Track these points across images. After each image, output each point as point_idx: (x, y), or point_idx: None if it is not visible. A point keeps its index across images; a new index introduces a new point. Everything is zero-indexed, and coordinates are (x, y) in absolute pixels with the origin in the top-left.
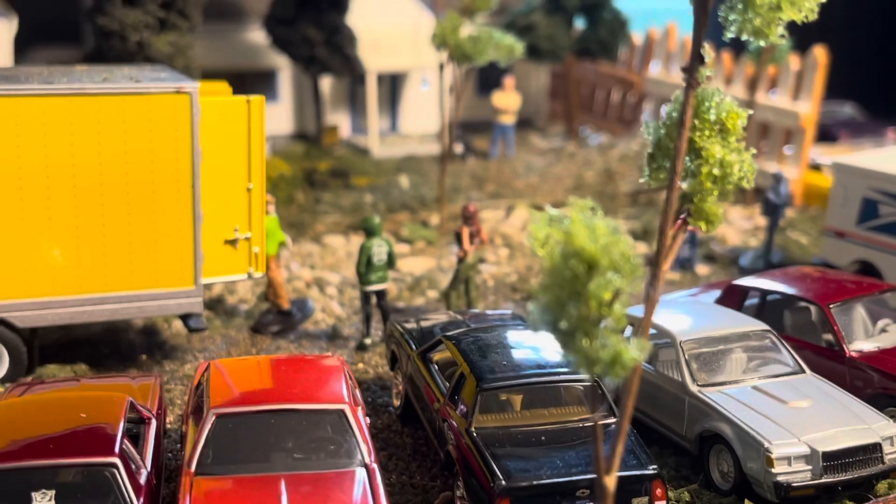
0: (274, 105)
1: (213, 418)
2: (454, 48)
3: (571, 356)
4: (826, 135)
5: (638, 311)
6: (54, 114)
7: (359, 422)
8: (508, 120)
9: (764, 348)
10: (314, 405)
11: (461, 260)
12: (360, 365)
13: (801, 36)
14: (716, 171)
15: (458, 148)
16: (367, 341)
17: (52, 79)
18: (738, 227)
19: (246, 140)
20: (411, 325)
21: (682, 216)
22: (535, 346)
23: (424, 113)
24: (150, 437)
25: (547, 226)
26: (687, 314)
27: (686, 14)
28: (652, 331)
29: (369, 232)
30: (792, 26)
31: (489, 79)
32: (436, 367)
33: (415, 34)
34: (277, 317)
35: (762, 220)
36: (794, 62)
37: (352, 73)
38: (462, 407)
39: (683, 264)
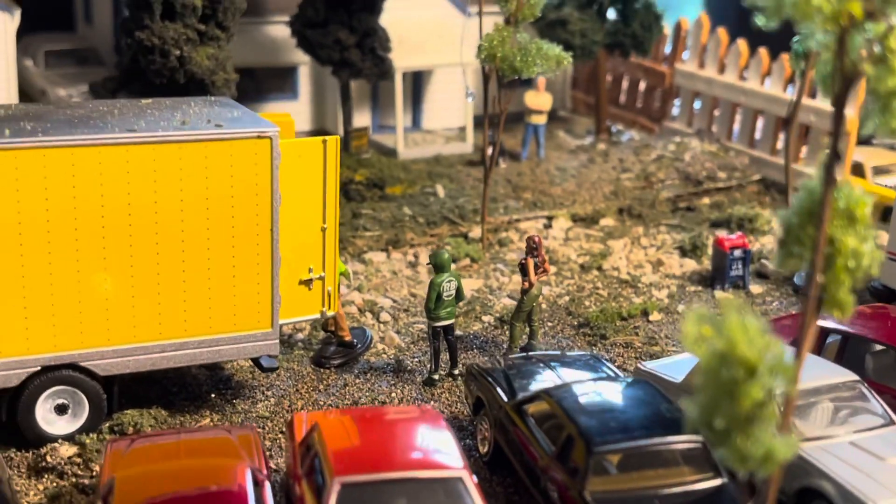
0: (293, 102)
1: (339, 487)
2: (501, 61)
3: (725, 453)
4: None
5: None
6: (138, 161)
7: (476, 486)
8: (541, 120)
9: (854, 398)
10: (436, 472)
11: (525, 291)
12: (432, 403)
13: None
14: (850, 263)
15: (489, 151)
16: (436, 377)
17: (129, 121)
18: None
19: (321, 180)
20: (497, 372)
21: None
22: (635, 400)
23: (448, 109)
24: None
25: (698, 323)
26: None
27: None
28: None
29: (438, 268)
30: None
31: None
32: (532, 420)
33: (441, 30)
34: (339, 349)
35: None
36: None
37: (383, 77)
38: (571, 468)
39: (736, 283)
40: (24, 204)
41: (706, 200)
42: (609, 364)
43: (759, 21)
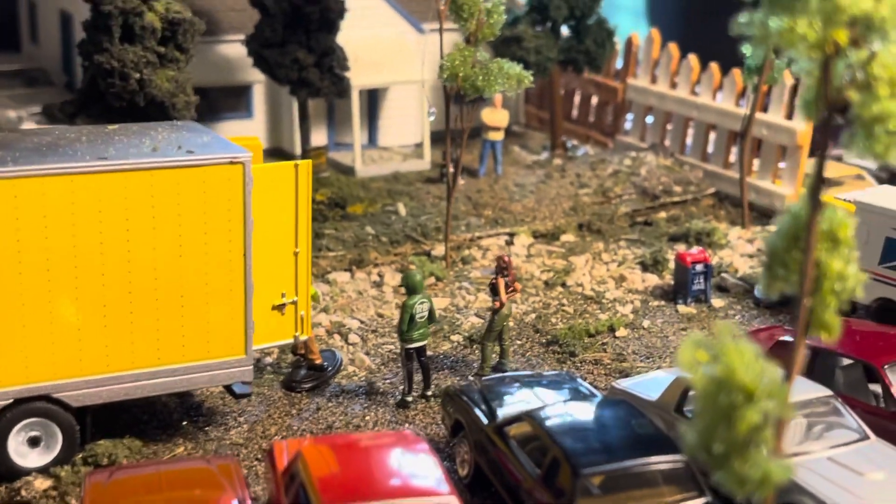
0: (248, 121)
1: None
2: (463, 80)
3: (723, 476)
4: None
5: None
6: (109, 189)
7: None
8: (498, 136)
9: (828, 413)
10: (425, 499)
11: (496, 311)
12: (407, 425)
13: None
14: (836, 286)
15: (450, 167)
16: (410, 399)
17: (99, 148)
18: (739, 250)
19: (293, 204)
20: (475, 393)
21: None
22: (616, 420)
23: (403, 126)
24: None
25: (694, 349)
26: None
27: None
28: None
29: (411, 289)
30: None
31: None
32: (514, 442)
33: (397, 48)
34: (310, 372)
35: (763, 243)
36: (787, 78)
37: (341, 96)
38: (557, 490)
39: (699, 297)
40: None
41: (663, 214)
42: (584, 383)
43: (746, 50)
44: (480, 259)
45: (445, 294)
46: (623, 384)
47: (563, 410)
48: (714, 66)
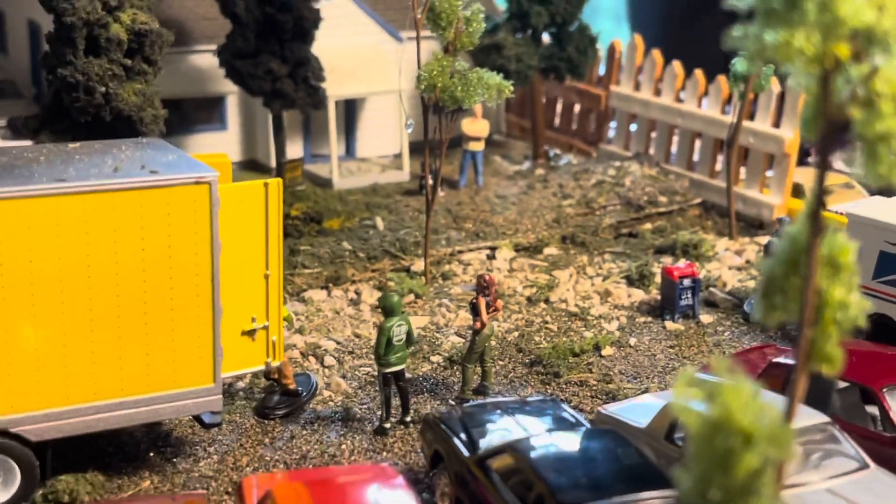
0: (222, 133)
1: None
2: (441, 91)
3: None
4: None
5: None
6: (68, 213)
7: None
8: (478, 147)
9: (826, 441)
10: None
11: (477, 332)
12: (385, 454)
13: None
14: (838, 315)
15: (429, 179)
16: (387, 425)
17: (57, 169)
18: (727, 262)
19: (263, 225)
20: (455, 422)
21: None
22: (604, 452)
23: (381, 137)
24: None
25: (688, 389)
26: None
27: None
28: None
29: (388, 311)
30: None
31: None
32: (497, 475)
33: (374, 57)
34: (283, 398)
35: (752, 255)
36: (775, 85)
37: (317, 107)
38: None
39: (686, 313)
40: None
41: (648, 226)
42: (569, 409)
43: (740, 66)
44: (461, 274)
45: (425, 312)
46: (610, 409)
47: (548, 441)
48: (699, 73)
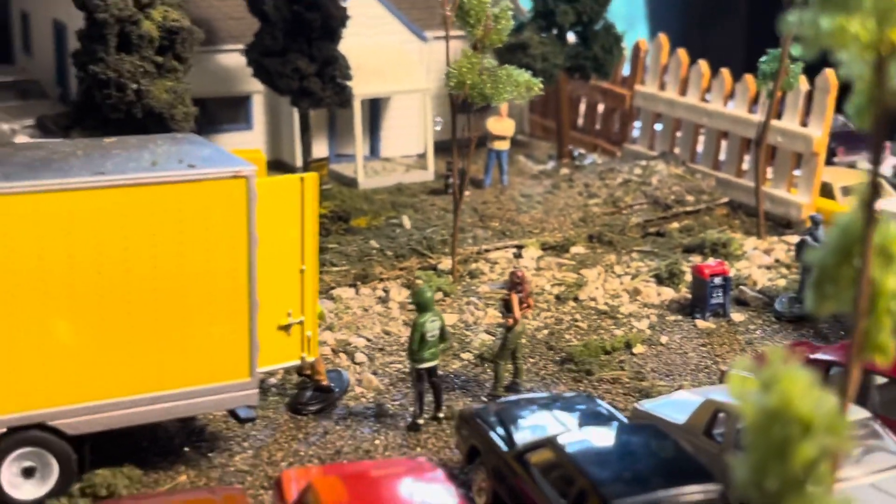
0: (247, 132)
1: None
2: (471, 88)
3: None
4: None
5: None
6: (106, 206)
7: None
8: (503, 146)
9: (868, 436)
10: None
11: (510, 328)
12: (419, 449)
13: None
14: (892, 305)
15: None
16: (421, 421)
17: (95, 163)
18: (756, 261)
19: (299, 220)
20: (491, 417)
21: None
22: (645, 446)
23: (405, 136)
24: None
25: (744, 377)
26: None
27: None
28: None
29: (421, 307)
30: None
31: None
32: (536, 470)
33: (399, 56)
34: (316, 394)
35: (781, 254)
36: (803, 84)
37: (344, 105)
38: None
39: (717, 311)
40: None
41: (675, 225)
42: (605, 404)
43: (797, 52)
44: (488, 273)
45: (454, 310)
46: (646, 406)
47: (588, 436)
48: (725, 72)
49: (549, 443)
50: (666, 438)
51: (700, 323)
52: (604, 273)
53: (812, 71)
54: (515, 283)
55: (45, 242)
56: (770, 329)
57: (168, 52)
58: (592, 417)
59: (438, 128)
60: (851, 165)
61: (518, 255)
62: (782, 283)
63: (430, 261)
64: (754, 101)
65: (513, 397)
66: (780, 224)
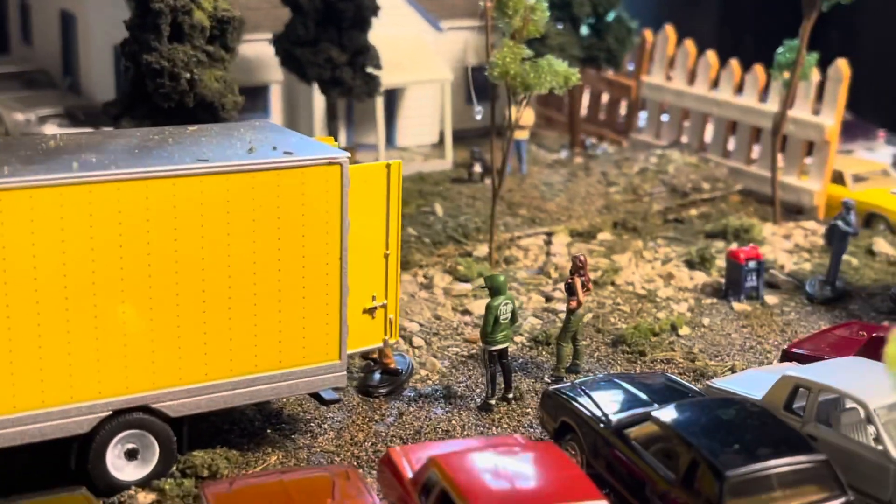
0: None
1: None
2: (512, 78)
3: None
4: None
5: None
6: (210, 192)
7: None
8: (523, 135)
9: None
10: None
11: (572, 311)
12: (494, 429)
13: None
14: None
15: (477, 167)
16: (492, 402)
17: (193, 150)
18: (779, 246)
19: (384, 205)
20: (581, 395)
21: None
22: (742, 418)
23: (419, 126)
24: None
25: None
26: (863, 376)
27: None
28: (830, 395)
29: (495, 291)
30: None
31: (477, 88)
32: (638, 444)
33: (415, 47)
34: (385, 376)
35: (800, 238)
36: (814, 74)
37: (371, 95)
38: (698, 493)
39: (751, 294)
40: (98, 242)
41: (693, 212)
42: (682, 381)
43: (785, 56)
44: (523, 259)
45: None
46: (719, 383)
47: (687, 410)
48: (734, 63)
49: (651, 418)
50: (762, 411)
51: (736, 305)
52: (634, 258)
53: (823, 62)
54: (578, 266)
55: (153, 228)
56: (804, 311)
57: (216, 42)
58: (673, 394)
59: (479, 117)
60: (848, 153)
61: (548, 242)
62: (807, 266)
63: (466, 248)
64: (764, 91)
65: (592, 377)
66: (792, 210)
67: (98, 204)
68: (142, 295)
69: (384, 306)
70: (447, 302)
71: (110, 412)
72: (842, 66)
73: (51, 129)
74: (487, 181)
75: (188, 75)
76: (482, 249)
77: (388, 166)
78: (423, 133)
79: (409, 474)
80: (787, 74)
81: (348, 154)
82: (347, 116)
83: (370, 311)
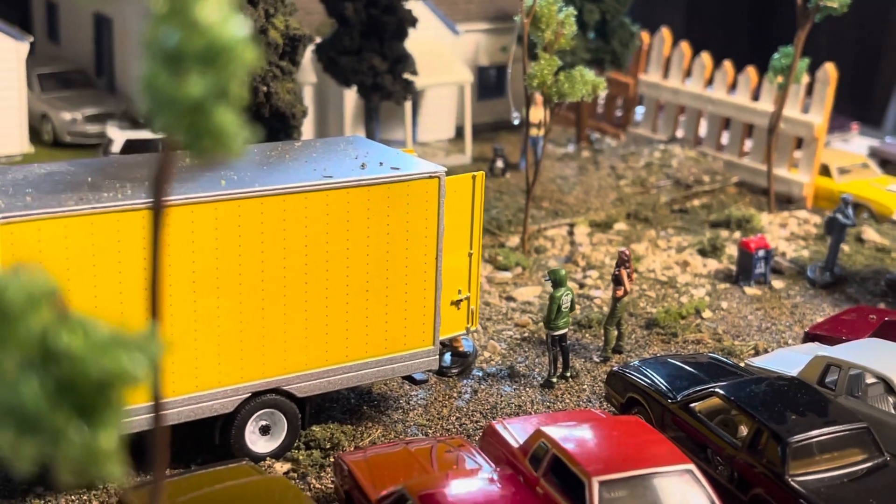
0: None
1: (598, 486)
2: (549, 87)
3: None
4: None
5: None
6: (334, 203)
7: (705, 478)
8: (539, 133)
9: None
10: (675, 466)
11: (619, 299)
12: (558, 404)
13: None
14: None
15: (499, 163)
16: (554, 380)
17: (312, 165)
18: (776, 234)
19: (469, 210)
20: (646, 373)
21: None
22: (793, 392)
23: (437, 123)
24: None
25: None
26: (885, 354)
27: None
28: (857, 370)
29: (557, 283)
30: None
31: (486, 86)
32: (703, 415)
33: (436, 50)
34: (455, 358)
35: (794, 227)
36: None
37: (408, 98)
38: (763, 456)
39: (759, 280)
40: (245, 249)
41: (696, 203)
42: (730, 360)
43: (780, 60)
44: (550, 248)
45: (533, 283)
46: (756, 362)
47: (745, 387)
48: (727, 64)
49: (715, 393)
50: (807, 386)
51: (748, 290)
52: (650, 247)
53: (812, 66)
54: (624, 259)
55: (288, 236)
56: (808, 294)
57: (287, 57)
58: (724, 371)
59: (517, 122)
60: (825, 144)
61: (571, 233)
62: (805, 253)
63: (500, 239)
64: (756, 90)
65: (649, 358)
66: (782, 200)
67: (246, 217)
68: (277, 293)
69: (467, 298)
70: (493, 290)
71: (250, 394)
72: (829, 69)
73: (112, 130)
74: (508, 176)
75: (265, 88)
76: (514, 240)
77: (473, 177)
78: (441, 129)
79: (514, 444)
80: (780, 79)
81: (445, 168)
82: (370, 115)
83: (456, 303)
